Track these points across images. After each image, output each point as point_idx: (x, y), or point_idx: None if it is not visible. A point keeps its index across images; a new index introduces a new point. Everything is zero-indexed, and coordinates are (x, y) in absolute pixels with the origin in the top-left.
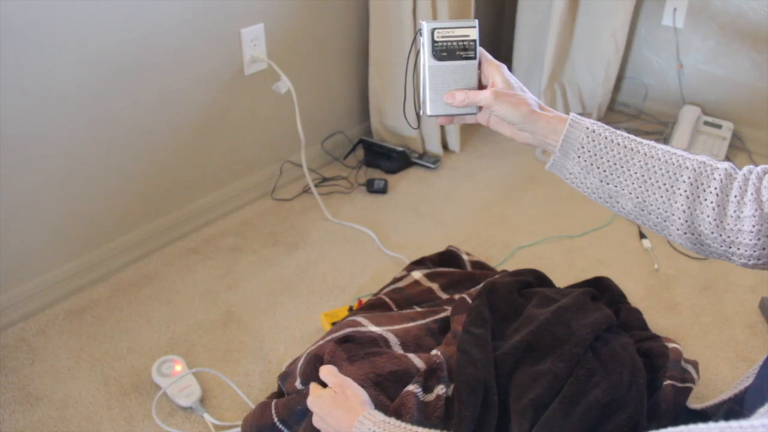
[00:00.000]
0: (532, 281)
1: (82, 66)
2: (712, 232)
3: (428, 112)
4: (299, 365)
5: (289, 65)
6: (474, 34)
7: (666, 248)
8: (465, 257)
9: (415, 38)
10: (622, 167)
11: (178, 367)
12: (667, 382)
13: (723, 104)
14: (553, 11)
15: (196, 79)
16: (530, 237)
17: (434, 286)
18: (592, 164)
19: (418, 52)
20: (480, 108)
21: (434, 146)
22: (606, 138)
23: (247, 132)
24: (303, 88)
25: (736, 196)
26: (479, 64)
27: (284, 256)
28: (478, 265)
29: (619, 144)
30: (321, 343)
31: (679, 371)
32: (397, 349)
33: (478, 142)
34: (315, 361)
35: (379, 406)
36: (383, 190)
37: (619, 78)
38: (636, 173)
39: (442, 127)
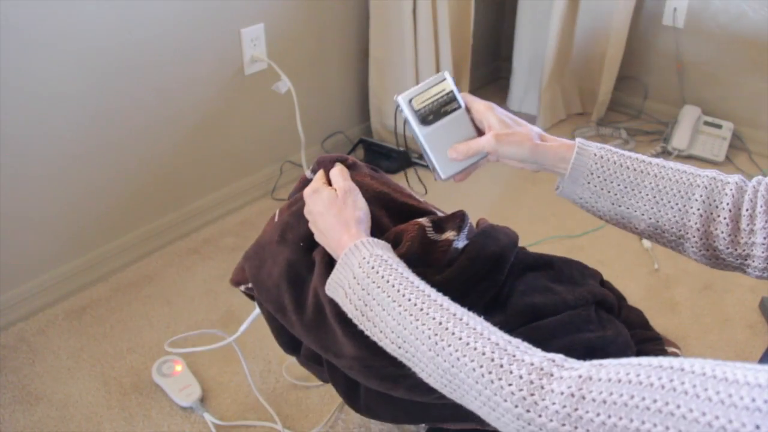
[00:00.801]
0: None
1: (82, 66)
2: (727, 248)
3: (442, 177)
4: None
5: (289, 65)
6: (449, 85)
7: (665, 248)
8: None
9: (396, 112)
10: (633, 190)
11: (179, 367)
12: None
13: (723, 104)
14: (553, 11)
15: (196, 78)
16: (530, 237)
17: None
18: (602, 189)
19: (405, 121)
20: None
21: None
22: (615, 162)
23: (247, 132)
24: (303, 88)
25: (747, 210)
26: (467, 110)
27: None
28: None
29: (628, 167)
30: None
31: None
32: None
33: None
34: (337, 159)
35: (378, 226)
36: None
37: (619, 78)
38: (647, 195)
39: None
